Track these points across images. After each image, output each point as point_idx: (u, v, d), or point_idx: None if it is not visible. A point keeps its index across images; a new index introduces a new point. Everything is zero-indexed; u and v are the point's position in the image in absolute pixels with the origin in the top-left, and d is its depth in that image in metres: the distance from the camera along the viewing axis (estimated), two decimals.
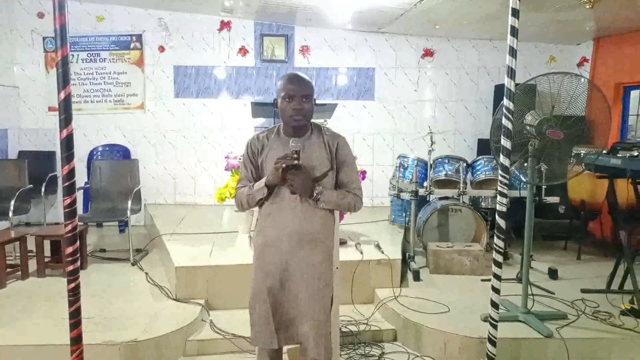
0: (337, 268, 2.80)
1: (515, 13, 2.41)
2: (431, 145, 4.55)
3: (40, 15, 6.19)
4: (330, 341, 2.21)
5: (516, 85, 2.49)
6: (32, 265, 4.29)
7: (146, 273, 4.34)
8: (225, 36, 6.32)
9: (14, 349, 2.99)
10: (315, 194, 2.08)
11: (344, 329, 3.38)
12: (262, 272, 2.19)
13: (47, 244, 4.40)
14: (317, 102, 2.26)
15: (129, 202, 4.81)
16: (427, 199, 4.99)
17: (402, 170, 4.81)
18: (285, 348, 2.36)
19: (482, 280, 4.06)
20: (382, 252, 4.10)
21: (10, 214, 4.68)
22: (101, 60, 6.30)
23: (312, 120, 2.26)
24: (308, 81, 2.15)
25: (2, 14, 6.02)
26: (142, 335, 3.12)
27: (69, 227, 2.03)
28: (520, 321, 3.27)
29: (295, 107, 2.08)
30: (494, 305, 2.61)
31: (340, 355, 3.06)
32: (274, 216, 2.17)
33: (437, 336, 3.21)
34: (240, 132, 6.37)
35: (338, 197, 2.16)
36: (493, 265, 2.60)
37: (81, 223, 4.70)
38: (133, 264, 4.62)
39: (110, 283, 4.13)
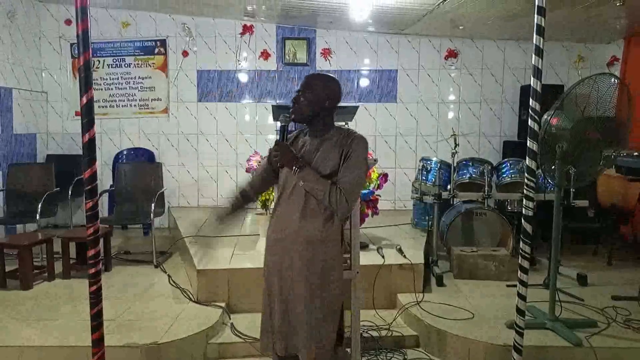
0: (357, 272, 2.77)
1: (542, 11, 2.34)
2: (455, 148, 4.47)
3: (68, 22, 6.34)
4: (325, 347, 2.13)
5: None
6: (58, 267, 4.37)
7: (169, 275, 4.38)
8: (247, 40, 6.36)
9: (38, 350, 3.03)
10: (295, 167, 2.06)
11: (365, 334, 3.33)
12: (266, 273, 2.24)
13: (72, 246, 4.47)
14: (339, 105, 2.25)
15: (152, 205, 4.86)
16: (451, 202, 4.92)
17: (424, 173, 4.74)
18: None
19: (508, 285, 3.96)
20: (404, 257, 4.04)
21: (38, 216, 4.78)
22: (126, 65, 6.41)
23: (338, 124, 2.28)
24: (313, 78, 2.18)
25: (31, 21, 6.19)
26: (163, 337, 3.13)
27: (91, 230, 2.06)
28: (547, 329, 3.17)
29: (294, 97, 2.17)
30: (520, 312, 2.53)
31: None
32: (279, 217, 2.18)
33: (460, 343, 3.13)
34: (262, 135, 6.41)
35: (317, 180, 2.05)
36: (519, 270, 2.53)
37: (106, 225, 4.77)
38: (156, 267, 4.67)
39: (134, 285, 4.18)
